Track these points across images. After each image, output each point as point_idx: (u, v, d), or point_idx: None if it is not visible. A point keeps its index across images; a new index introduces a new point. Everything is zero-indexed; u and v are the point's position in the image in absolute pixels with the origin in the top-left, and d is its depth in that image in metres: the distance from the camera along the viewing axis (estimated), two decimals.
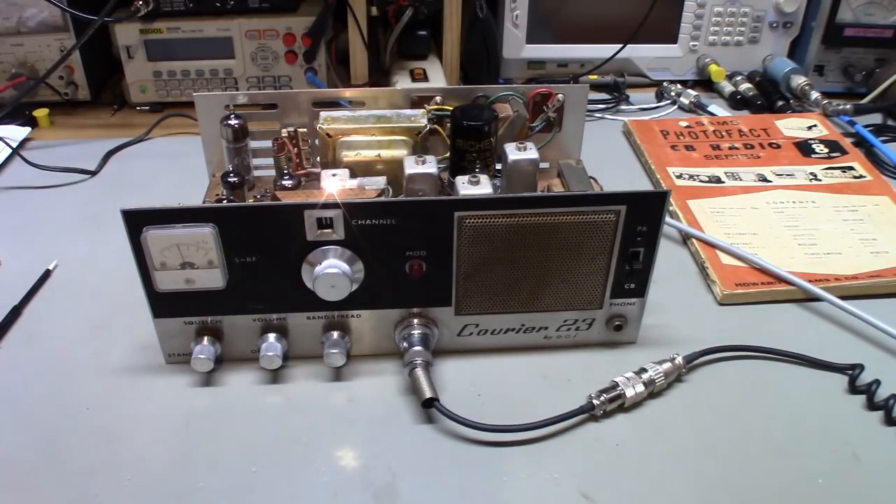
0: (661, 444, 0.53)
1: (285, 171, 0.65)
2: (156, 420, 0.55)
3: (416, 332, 0.57)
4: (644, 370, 0.56)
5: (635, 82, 1.06)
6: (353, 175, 0.59)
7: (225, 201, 0.63)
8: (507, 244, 0.55)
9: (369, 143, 0.64)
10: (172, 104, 0.96)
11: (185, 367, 0.57)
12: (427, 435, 0.54)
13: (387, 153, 0.63)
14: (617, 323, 0.60)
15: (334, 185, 0.58)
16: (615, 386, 0.55)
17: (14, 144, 0.87)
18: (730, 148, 0.88)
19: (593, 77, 1.04)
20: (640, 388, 0.55)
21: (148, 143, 0.91)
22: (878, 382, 0.56)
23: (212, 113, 0.66)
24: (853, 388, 0.57)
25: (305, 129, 0.66)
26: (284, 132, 0.66)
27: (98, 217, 0.77)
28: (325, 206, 0.52)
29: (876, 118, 0.97)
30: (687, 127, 0.93)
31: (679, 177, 0.83)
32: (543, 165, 0.70)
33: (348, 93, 0.71)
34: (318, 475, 0.51)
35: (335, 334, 0.58)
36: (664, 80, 1.05)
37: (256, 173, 0.69)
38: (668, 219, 0.69)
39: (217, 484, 0.50)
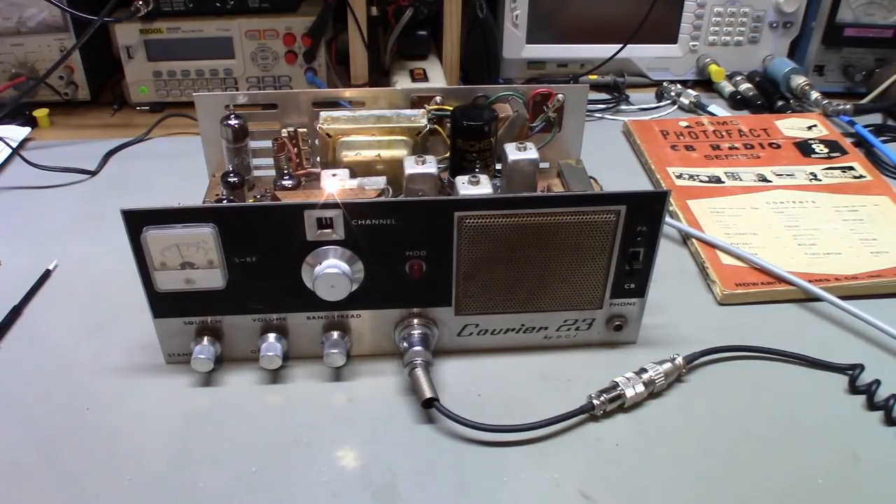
0: (661, 444, 0.53)
1: (285, 171, 0.65)
2: (156, 420, 0.55)
3: (416, 332, 0.57)
4: (644, 370, 0.56)
5: (635, 82, 1.06)
6: (353, 175, 0.59)
7: (225, 201, 0.63)
8: (507, 244, 0.55)
9: (369, 143, 0.64)
10: (172, 104, 0.96)
11: (185, 367, 0.57)
12: (427, 435, 0.54)
13: (387, 153, 0.63)
14: (617, 323, 0.60)
15: (334, 185, 0.58)
16: (615, 386, 0.55)
17: (14, 144, 0.87)
18: (730, 148, 0.88)
19: (593, 77, 1.04)
20: (640, 388, 0.55)
21: (148, 143, 0.91)
22: (878, 382, 0.56)
23: (212, 113, 0.66)
24: (853, 388, 0.57)
25: (305, 129, 0.66)
26: (284, 132, 0.66)
27: (98, 217, 0.77)
28: (325, 206, 0.52)
29: (876, 118, 0.97)
30: (687, 127, 0.93)
31: (679, 177, 0.83)
32: (543, 165, 0.70)
33: (348, 93, 0.71)
34: (318, 475, 0.51)
35: (335, 334, 0.58)
36: (664, 80, 1.05)
37: (256, 173, 0.69)
38: (668, 219, 0.69)
39: (217, 484, 0.50)
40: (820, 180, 0.82)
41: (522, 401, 0.56)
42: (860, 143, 0.91)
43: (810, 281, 0.66)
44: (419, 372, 0.54)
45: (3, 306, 0.64)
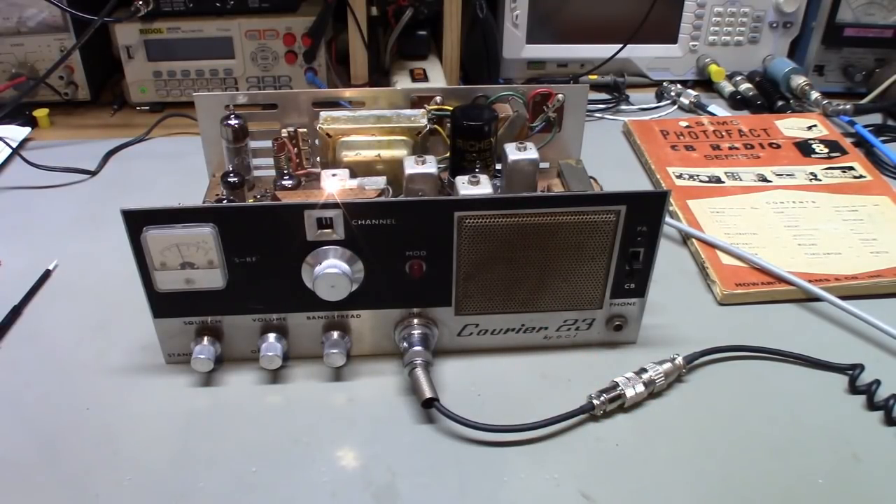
0: (661, 444, 0.53)
1: (285, 171, 0.65)
2: (156, 420, 0.55)
3: (416, 332, 0.57)
4: (644, 370, 0.56)
5: (635, 82, 1.06)
6: (353, 175, 0.59)
7: (225, 201, 0.63)
8: (507, 244, 0.55)
9: (369, 143, 0.64)
10: (172, 104, 0.96)
11: (185, 367, 0.57)
12: (427, 435, 0.54)
13: (387, 153, 0.63)
14: (617, 323, 0.60)
15: (334, 185, 0.58)
16: (615, 386, 0.55)
17: (14, 144, 0.87)
18: (730, 148, 0.88)
19: (593, 77, 1.04)
20: (640, 388, 0.55)
21: (148, 143, 0.91)
22: (878, 382, 0.56)
23: (212, 113, 0.66)
24: (853, 388, 0.57)
25: (305, 129, 0.66)
26: (284, 132, 0.66)
27: (98, 217, 0.77)
28: (325, 206, 0.52)
29: (876, 118, 0.97)
30: (687, 127, 0.93)
31: (679, 177, 0.83)
32: (543, 165, 0.70)
33: (348, 93, 0.71)
34: (318, 475, 0.51)
35: (335, 334, 0.58)
36: (664, 80, 1.05)
37: (256, 173, 0.69)
38: (668, 219, 0.69)
39: (217, 484, 0.50)
40: (820, 180, 0.82)
41: (522, 401, 0.56)
42: (860, 143, 0.91)
43: (810, 281, 0.66)
44: (419, 372, 0.54)
45: (3, 306, 0.64)
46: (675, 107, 1.02)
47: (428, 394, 0.53)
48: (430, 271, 0.55)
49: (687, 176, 0.83)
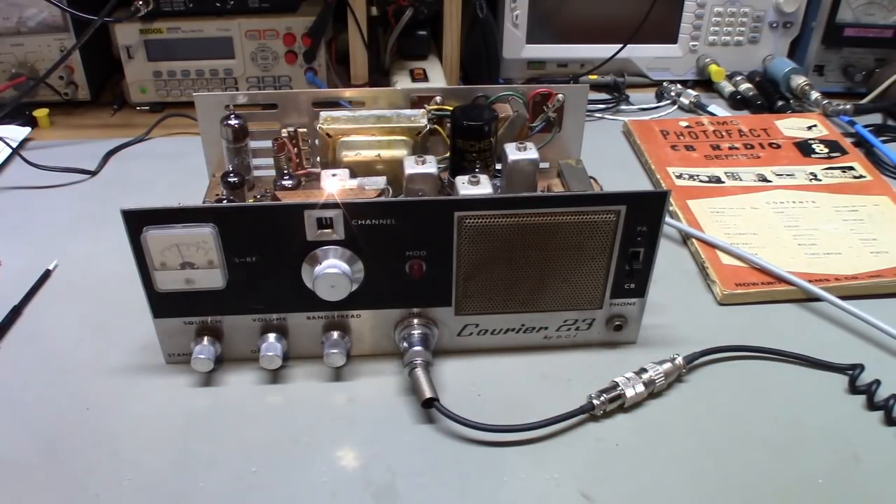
0: (661, 444, 0.53)
1: (285, 171, 0.65)
2: (156, 420, 0.55)
3: (416, 332, 0.57)
4: (644, 370, 0.56)
5: (635, 82, 1.06)
6: (353, 175, 0.59)
7: (225, 201, 0.63)
8: (507, 244, 0.55)
9: (369, 143, 0.64)
10: (172, 104, 0.96)
11: (185, 367, 0.57)
12: (427, 435, 0.54)
13: (387, 153, 0.63)
14: (617, 323, 0.60)
15: (334, 185, 0.58)
16: (615, 386, 0.55)
17: (14, 144, 0.87)
18: (730, 148, 0.88)
19: (593, 77, 1.04)
20: (640, 388, 0.55)
21: (148, 143, 0.91)
22: (878, 382, 0.56)
23: (212, 113, 0.66)
24: (853, 388, 0.57)
25: (305, 129, 0.66)
26: (284, 132, 0.66)
27: (98, 217, 0.77)
28: (325, 206, 0.52)
29: (876, 118, 0.97)
30: (687, 127, 0.93)
31: (679, 177, 0.83)
32: (543, 165, 0.70)
33: (348, 93, 0.71)
34: (317, 475, 0.51)
35: (335, 334, 0.58)
36: (664, 80, 1.05)
37: (256, 173, 0.69)
38: (668, 219, 0.69)
39: (217, 484, 0.50)
40: (820, 180, 0.82)
41: (522, 401, 0.56)
42: (860, 143, 0.91)
43: (810, 281, 0.66)
44: (419, 372, 0.54)
45: (3, 306, 0.64)
46: (675, 107, 1.02)
47: (428, 394, 0.53)
48: (430, 271, 0.55)
49: (687, 176, 0.83)
